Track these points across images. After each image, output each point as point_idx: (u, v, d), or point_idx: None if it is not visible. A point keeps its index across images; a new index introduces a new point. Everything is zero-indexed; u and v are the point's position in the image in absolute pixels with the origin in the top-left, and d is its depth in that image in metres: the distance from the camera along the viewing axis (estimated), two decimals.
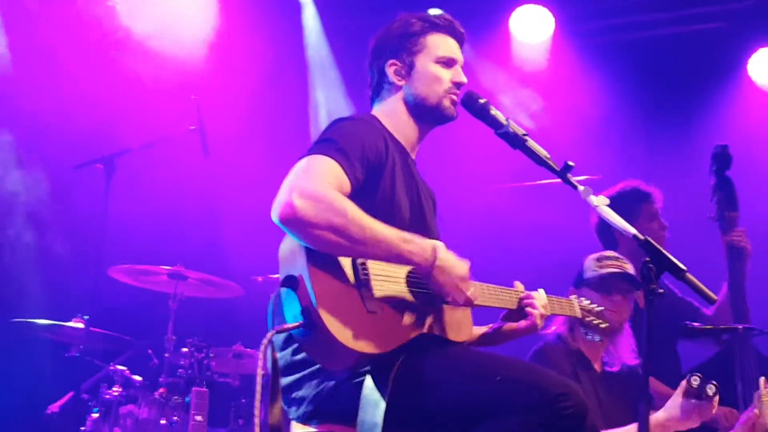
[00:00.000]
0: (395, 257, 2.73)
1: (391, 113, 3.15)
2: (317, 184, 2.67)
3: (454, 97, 3.14)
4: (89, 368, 5.78)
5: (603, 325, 3.44)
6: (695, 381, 3.61)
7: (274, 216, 2.65)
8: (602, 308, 3.54)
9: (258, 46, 6.71)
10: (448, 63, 3.16)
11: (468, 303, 2.84)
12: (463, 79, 3.16)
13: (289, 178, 2.70)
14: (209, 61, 6.61)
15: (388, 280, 2.78)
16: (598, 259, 4.04)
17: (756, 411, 3.81)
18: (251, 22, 6.70)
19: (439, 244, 2.81)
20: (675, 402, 3.66)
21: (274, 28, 6.84)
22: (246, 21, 6.69)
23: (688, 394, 3.62)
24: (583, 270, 4.05)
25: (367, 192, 2.85)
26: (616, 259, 4.07)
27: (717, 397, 3.63)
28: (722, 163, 4.86)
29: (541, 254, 6.44)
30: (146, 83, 6.48)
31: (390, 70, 3.16)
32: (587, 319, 3.42)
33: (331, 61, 6.91)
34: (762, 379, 3.90)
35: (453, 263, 2.81)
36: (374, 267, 2.76)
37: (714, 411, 3.66)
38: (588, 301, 3.52)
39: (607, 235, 4.88)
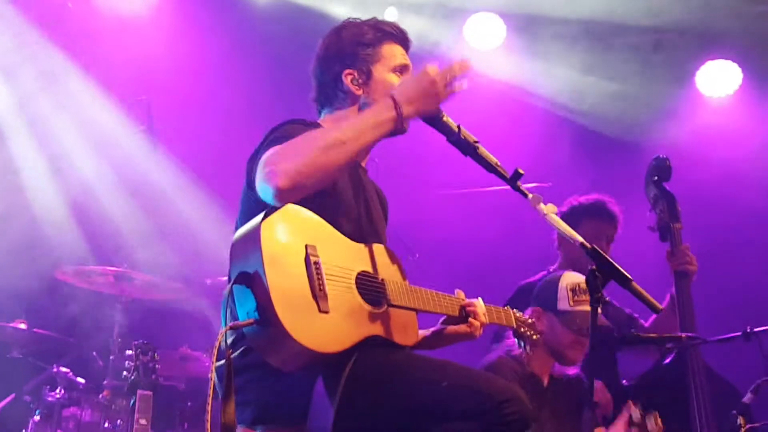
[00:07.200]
0: (374, 127, 2.79)
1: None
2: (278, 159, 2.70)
3: None
4: (32, 370, 5.70)
5: (535, 336, 3.44)
6: (636, 414, 3.59)
7: (271, 196, 2.66)
8: (533, 320, 3.50)
9: (211, 42, 6.65)
10: (401, 71, 3.19)
11: (445, 94, 2.86)
12: None
13: (260, 174, 2.71)
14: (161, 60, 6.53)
15: (339, 280, 2.77)
16: (573, 291, 3.92)
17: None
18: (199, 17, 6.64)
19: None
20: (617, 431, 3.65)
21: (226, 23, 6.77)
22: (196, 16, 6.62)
23: (631, 424, 3.62)
24: (555, 296, 3.94)
25: (310, 196, 2.81)
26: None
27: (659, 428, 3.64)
28: (662, 174, 4.89)
29: (478, 262, 6.48)
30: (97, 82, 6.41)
31: (347, 79, 3.15)
32: (521, 329, 3.43)
33: None
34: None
35: (406, 83, 2.92)
36: (327, 267, 2.75)
37: None
38: (519, 313, 3.48)
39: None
